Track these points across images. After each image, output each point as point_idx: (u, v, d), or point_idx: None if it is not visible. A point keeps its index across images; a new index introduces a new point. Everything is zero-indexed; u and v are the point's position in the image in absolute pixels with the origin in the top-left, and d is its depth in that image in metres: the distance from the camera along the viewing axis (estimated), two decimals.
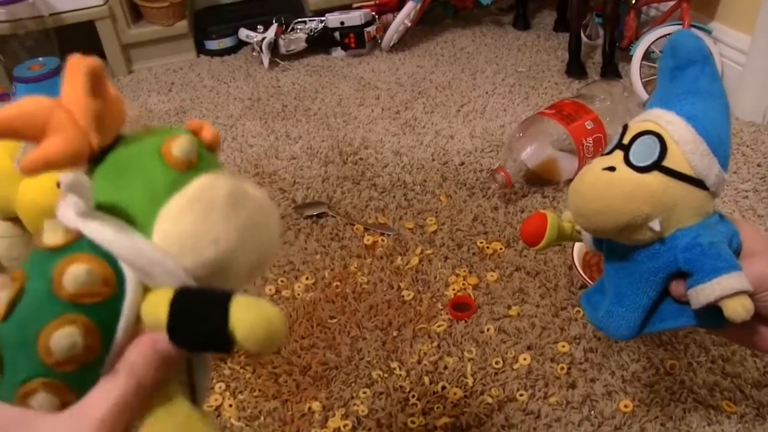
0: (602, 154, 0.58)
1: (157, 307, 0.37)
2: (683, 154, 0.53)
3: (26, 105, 0.39)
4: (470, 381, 0.83)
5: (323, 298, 0.97)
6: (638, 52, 1.41)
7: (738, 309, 0.51)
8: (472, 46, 1.82)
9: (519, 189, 1.17)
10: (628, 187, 0.53)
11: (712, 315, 0.54)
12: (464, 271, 1.00)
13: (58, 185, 0.58)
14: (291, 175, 1.27)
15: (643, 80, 1.42)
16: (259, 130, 1.45)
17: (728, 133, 0.56)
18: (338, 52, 1.81)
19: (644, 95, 1.41)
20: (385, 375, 0.84)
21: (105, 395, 0.37)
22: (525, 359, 0.84)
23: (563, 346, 0.86)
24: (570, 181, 1.15)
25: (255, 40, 1.75)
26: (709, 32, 1.41)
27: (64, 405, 0.37)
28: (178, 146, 0.39)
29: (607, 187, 0.54)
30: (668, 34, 1.40)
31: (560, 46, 1.77)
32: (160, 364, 0.37)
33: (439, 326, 0.90)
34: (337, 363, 0.86)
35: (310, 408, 0.81)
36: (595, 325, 0.59)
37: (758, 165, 1.21)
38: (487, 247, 1.04)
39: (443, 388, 0.82)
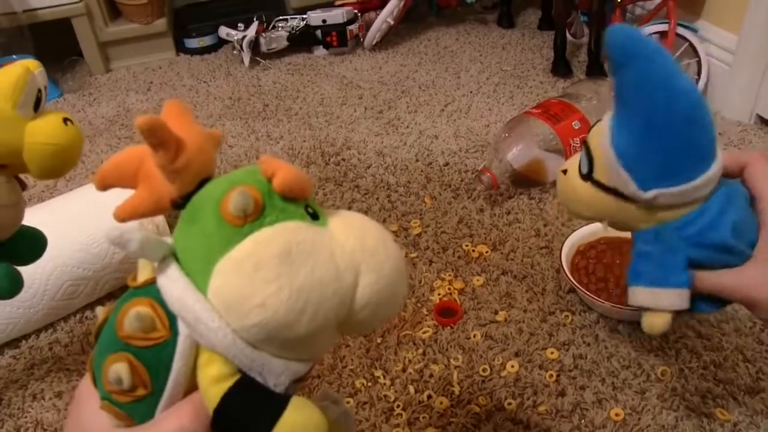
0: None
1: (211, 388, 0.38)
2: (603, 166, 0.54)
3: (119, 157, 0.42)
4: (457, 389, 0.80)
5: None
6: None
7: (645, 324, 0.56)
8: (456, 44, 1.80)
9: (505, 190, 1.15)
10: (571, 192, 0.58)
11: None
12: (450, 275, 0.97)
13: (65, 121, 0.64)
14: None
15: None
16: (239, 130, 1.42)
17: (659, 147, 0.50)
18: (320, 51, 1.78)
19: None
20: (369, 384, 0.81)
21: None
22: (513, 366, 0.82)
23: (552, 353, 0.83)
24: (556, 182, 1.12)
25: (235, 38, 1.72)
26: (695, 31, 1.39)
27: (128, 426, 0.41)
28: (232, 201, 0.37)
29: (561, 188, 0.61)
30: (655, 33, 1.39)
31: (545, 44, 1.75)
32: None
33: (424, 332, 0.88)
34: (319, 371, 0.83)
35: None
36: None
37: None
38: (473, 251, 1.02)
39: (429, 397, 0.79)
